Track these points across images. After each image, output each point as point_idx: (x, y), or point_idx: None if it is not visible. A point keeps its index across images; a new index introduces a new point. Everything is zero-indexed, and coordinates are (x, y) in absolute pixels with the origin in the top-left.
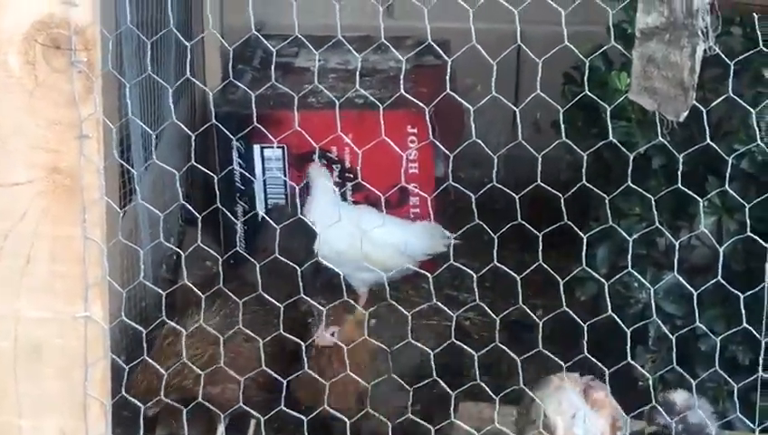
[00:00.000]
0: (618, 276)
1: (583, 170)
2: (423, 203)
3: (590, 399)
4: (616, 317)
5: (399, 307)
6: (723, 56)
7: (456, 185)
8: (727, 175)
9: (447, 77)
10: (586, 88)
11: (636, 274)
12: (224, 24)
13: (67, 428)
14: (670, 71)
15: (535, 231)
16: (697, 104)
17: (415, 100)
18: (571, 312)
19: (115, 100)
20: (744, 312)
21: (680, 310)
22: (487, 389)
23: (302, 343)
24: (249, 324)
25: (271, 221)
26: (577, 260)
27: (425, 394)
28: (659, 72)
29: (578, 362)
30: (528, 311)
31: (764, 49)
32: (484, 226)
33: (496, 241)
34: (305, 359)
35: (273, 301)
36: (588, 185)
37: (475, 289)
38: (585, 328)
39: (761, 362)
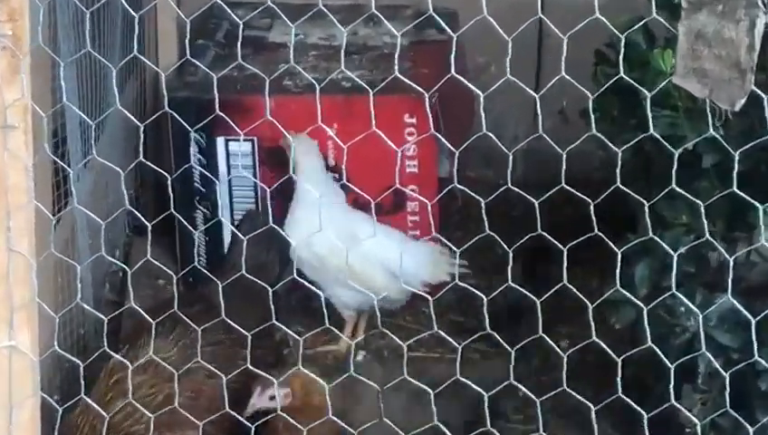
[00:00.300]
0: (658, 298)
1: (618, 170)
2: (423, 209)
3: None
4: (657, 349)
5: (393, 336)
6: None
7: (463, 188)
8: None
9: (453, 55)
10: (621, 69)
11: (682, 296)
12: None
13: None
14: (724, 49)
15: (559, 244)
16: (757, 90)
17: (413, 84)
18: (602, 343)
19: (47, 82)
20: None
21: (736, 341)
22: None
23: (275, 381)
24: (212, 357)
25: (239, 234)
26: (611, 280)
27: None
28: (710, 50)
29: (610, 405)
30: (550, 341)
31: None
32: (497, 237)
33: (511, 256)
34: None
35: (240, 328)
36: (623, 188)
37: (486, 315)
38: (620, 362)
39: None
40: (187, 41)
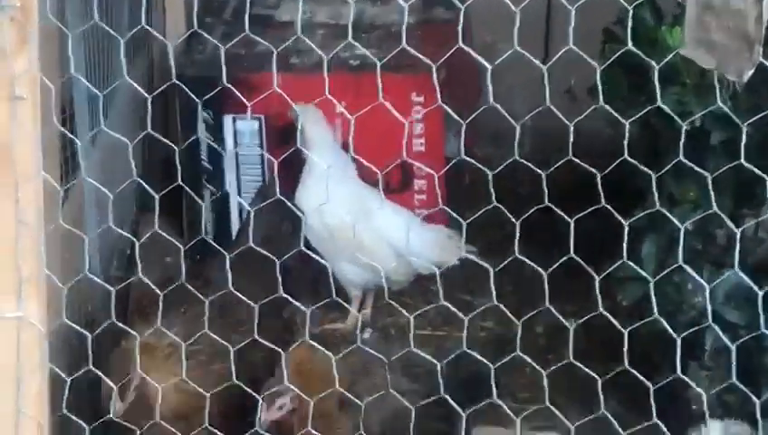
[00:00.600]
0: (665, 272)
1: (625, 142)
2: (431, 188)
3: None
4: (664, 322)
5: (400, 308)
6: None
7: (471, 160)
8: None
9: (460, 27)
10: (629, 43)
11: (690, 269)
12: None
13: None
14: (732, 20)
15: (566, 216)
16: (765, 62)
17: (420, 56)
18: (608, 315)
19: (55, 53)
20: None
21: (743, 317)
22: (506, 408)
23: (282, 352)
24: (219, 333)
25: (247, 206)
26: (617, 258)
27: (430, 415)
28: (718, 21)
29: (617, 382)
30: (556, 313)
31: None
32: (503, 209)
33: (518, 227)
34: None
35: (247, 300)
36: (631, 160)
37: (492, 288)
38: (626, 334)
39: None
40: (194, 18)
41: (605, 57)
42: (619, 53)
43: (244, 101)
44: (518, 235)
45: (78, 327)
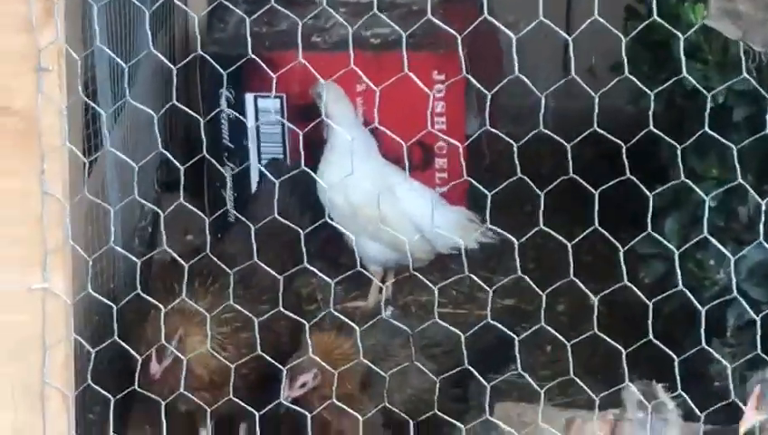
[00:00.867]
0: (688, 253)
1: (650, 112)
2: (452, 167)
3: None
4: (688, 293)
5: (425, 280)
6: None
7: (495, 131)
8: None
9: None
10: (654, 14)
11: (716, 242)
12: None
13: (20, 423)
14: None
15: (590, 188)
16: None
17: (446, 27)
18: (633, 287)
19: (79, 25)
20: None
21: (766, 294)
22: (530, 379)
23: (306, 323)
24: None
25: (268, 173)
26: (641, 233)
27: (451, 394)
28: None
29: (640, 356)
30: (580, 284)
31: None
32: (528, 180)
33: (542, 199)
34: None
35: (272, 271)
36: (655, 131)
37: (516, 259)
38: (651, 306)
39: None
40: None
41: (627, 35)
42: (643, 24)
43: (269, 72)
44: (542, 206)
45: (103, 298)
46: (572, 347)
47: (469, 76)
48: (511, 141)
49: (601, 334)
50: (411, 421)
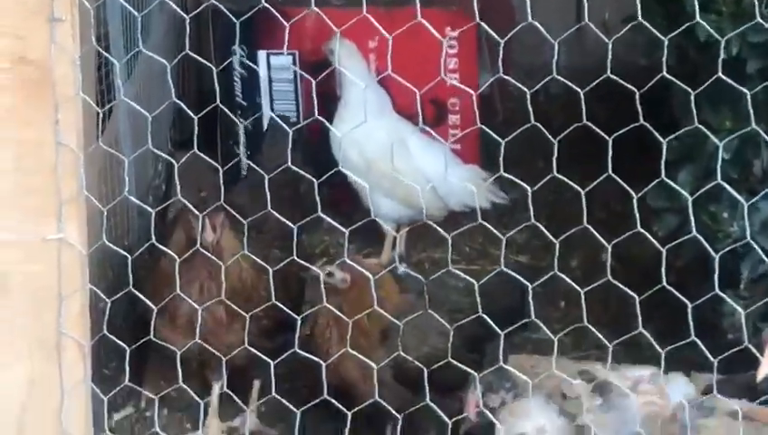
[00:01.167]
0: (701, 207)
1: (664, 60)
2: (465, 123)
3: None
4: (702, 239)
5: (437, 227)
6: None
7: (508, 78)
8: None
9: None
10: None
11: (730, 189)
12: None
13: (37, 373)
14: None
15: (604, 135)
16: None
17: None
18: (647, 233)
19: None
20: None
21: None
22: (543, 326)
23: (321, 272)
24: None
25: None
26: (653, 190)
27: (468, 336)
28: None
29: (653, 301)
30: (594, 231)
31: None
32: (541, 127)
33: (556, 147)
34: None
35: (287, 221)
36: (668, 76)
37: (530, 206)
38: (664, 253)
39: None
40: None
41: None
42: None
43: (283, 21)
44: (555, 154)
45: (117, 248)
46: (585, 298)
47: (483, 24)
48: (524, 88)
49: (615, 281)
50: (426, 369)
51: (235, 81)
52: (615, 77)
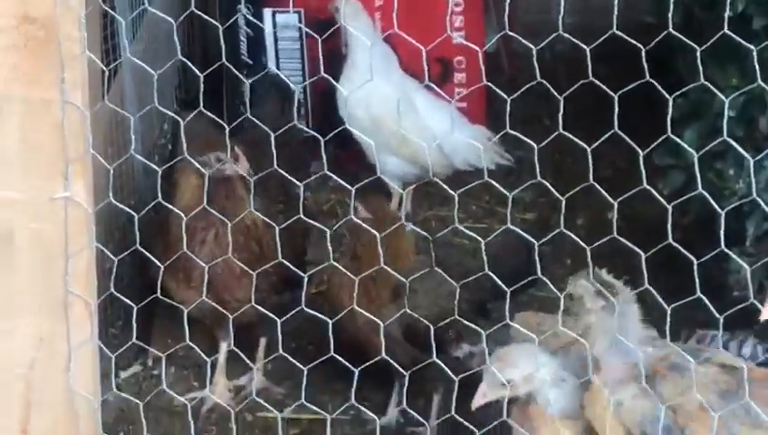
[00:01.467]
0: (707, 165)
1: (670, 16)
2: (470, 81)
3: None
4: (708, 196)
5: (443, 185)
6: None
7: (514, 35)
8: None
9: None
10: None
11: (736, 145)
12: None
13: (44, 331)
14: None
15: (609, 91)
16: None
17: None
18: (653, 191)
19: None
20: None
21: None
22: (548, 282)
23: (328, 230)
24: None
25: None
26: (658, 148)
27: (475, 294)
28: None
29: (661, 252)
30: (600, 188)
31: None
32: (547, 84)
33: (562, 103)
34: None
35: (295, 180)
36: (675, 33)
37: (536, 162)
38: (670, 210)
39: None
40: None
41: None
42: None
43: None
44: (561, 110)
45: (124, 207)
46: (591, 255)
47: None
48: (530, 45)
49: (621, 238)
50: (432, 326)
51: (241, 39)
52: (621, 33)
